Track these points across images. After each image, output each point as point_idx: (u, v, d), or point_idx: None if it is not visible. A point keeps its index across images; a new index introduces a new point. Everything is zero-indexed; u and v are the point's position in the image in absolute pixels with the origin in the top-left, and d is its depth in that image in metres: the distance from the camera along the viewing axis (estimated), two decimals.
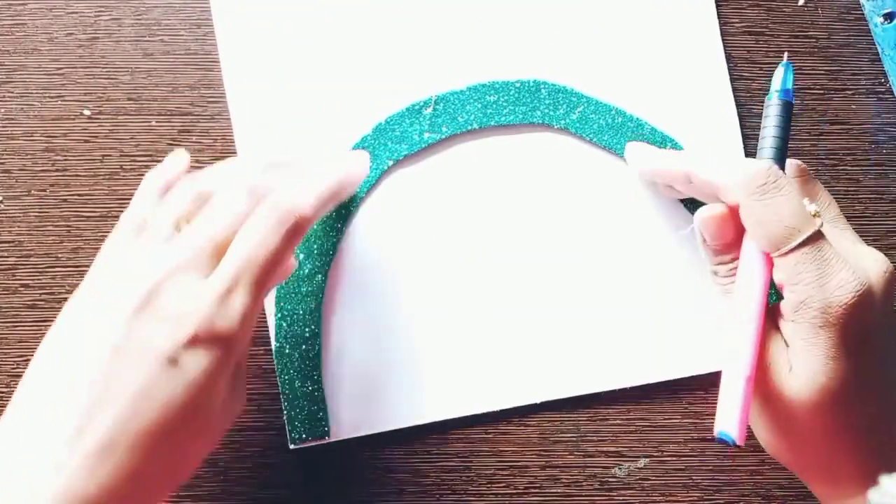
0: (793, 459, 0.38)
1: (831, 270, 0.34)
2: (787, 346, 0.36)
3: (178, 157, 0.39)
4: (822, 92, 0.45)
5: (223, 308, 0.33)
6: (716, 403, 0.44)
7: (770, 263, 0.35)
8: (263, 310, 0.42)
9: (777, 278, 0.35)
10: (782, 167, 0.37)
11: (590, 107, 0.43)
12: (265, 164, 0.37)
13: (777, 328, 0.36)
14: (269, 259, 0.34)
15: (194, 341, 0.32)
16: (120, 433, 0.31)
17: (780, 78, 0.38)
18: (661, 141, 0.43)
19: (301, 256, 0.42)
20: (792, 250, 0.34)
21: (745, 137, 0.44)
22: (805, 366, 0.34)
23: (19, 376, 0.43)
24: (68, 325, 0.33)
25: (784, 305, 0.35)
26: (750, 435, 0.44)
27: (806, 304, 0.34)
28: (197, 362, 0.32)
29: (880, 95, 0.45)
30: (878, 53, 0.45)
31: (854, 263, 0.35)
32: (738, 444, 0.34)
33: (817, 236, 0.34)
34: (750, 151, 0.44)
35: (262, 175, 0.36)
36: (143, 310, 0.32)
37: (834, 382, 0.34)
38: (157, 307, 0.32)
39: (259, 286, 0.34)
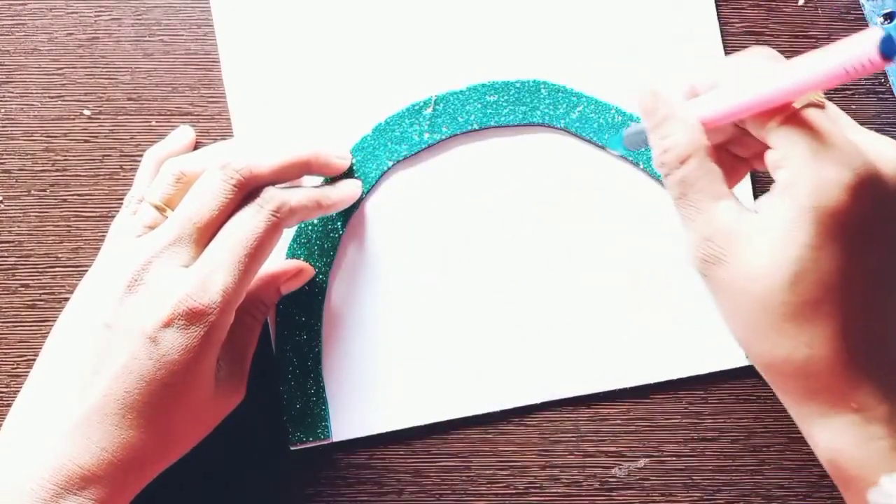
0: (764, 363, 0.32)
1: (831, 144, 0.30)
2: (761, 225, 0.31)
3: (182, 134, 0.42)
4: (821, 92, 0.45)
5: (201, 287, 0.35)
6: (716, 403, 0.44)
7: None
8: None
9: (770, 159, 0.32)
10: None
11: (590, 106, 0.43)
12: (246, 143, 0.40)
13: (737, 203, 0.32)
14: (217, 215, 0.36)
15: (171, 320, 0.34)
16: (108, 407, 0.34)
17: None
18: None
19: (302, 257, 0.42)
20: (794, 112, 0.31)
21: None
22: (779, 249, 0.30)
23: (19, 376, 0.43)
24: (74, 306, 0.37)
25: (772, 188, 0.31)
26: (747, 435, 0.44)
27: (796, 181, 0.30)
28: (175, 340, 0.34)
29: (880, 95, 0.45)
30: None
31: (861, 145, 0.31)
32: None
33: (818, 105, 0.31)
34: None
35: (238, 152, 0.38)
36: (129, 292, 0.35)
37: (809, 274, 0.30)
38: (142, 290, 0.35)
39: (240, 265, 0.36)
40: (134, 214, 0.38)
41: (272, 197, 0.37)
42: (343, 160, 0.41)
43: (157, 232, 0.36)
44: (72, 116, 0.43)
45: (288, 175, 0.39)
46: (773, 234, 0.30)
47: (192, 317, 0.34)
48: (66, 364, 0.35)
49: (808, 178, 0.30)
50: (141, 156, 0.42)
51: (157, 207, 0.37)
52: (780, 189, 0.31)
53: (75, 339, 0.36)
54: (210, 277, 0.35)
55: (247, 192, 0.37)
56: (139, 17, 0.44)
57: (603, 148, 0.43)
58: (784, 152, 0.31)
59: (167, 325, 0.34)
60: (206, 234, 0.36)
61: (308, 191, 0.39)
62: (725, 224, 0.32)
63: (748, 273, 0.31)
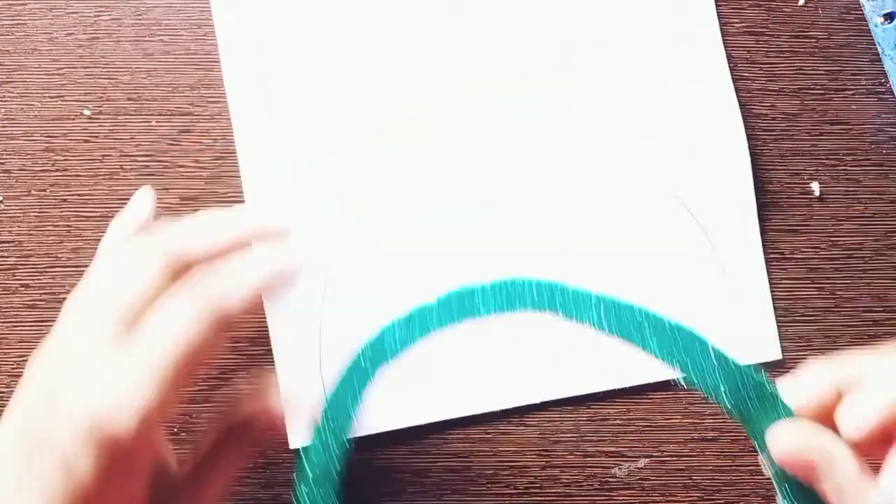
0: None
1: None
2: None
3: (144, 199, 0.39)
4: (822, 92, 0.45)
5: (119, 407, 0.31)
6: (715, 403, 0.44)
7: None
8: (263, 309, 0.42)
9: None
10: None
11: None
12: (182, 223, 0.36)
13: None
14: (183, 356, 0.32)
15: (86, 443, 0.31)
16: None
17: None
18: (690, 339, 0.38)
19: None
20: None
21: (748, 138, 0.44)
22: None
23: (19, 376, 0.42)
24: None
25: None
26: (747, 435, 0.44)
27: None
28: (88, 465, 0.31)
29: (880, 95, 0.45)
30: (878, 53, 0.45)
31: None
32: None
33: None
34: (752, 152, 0.44)
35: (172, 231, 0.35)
36: (51, 402, 0.32)
37: None
38: (61, 402, 0.31)
39: (163, 381, 0.31)
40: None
41: (207, 289, 0.33)
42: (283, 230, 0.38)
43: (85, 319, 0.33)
44: (72, 116, 0.43)
45: (225, 253, 0.35)
46: None
47: (106, 440, 0.31)
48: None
49: None
50: (141, 156, 0.42)
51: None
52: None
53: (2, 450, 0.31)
54: (125, 396, 0.31)
55: (178, 272, 0.34)
56: (139, 17, 0.44)
57: (603, 151, 0.43)
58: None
59: (81, 447, 0.30)
60: (136, 319, 0.33)
61: (254, 274, 0.34)
62: None
63: None
